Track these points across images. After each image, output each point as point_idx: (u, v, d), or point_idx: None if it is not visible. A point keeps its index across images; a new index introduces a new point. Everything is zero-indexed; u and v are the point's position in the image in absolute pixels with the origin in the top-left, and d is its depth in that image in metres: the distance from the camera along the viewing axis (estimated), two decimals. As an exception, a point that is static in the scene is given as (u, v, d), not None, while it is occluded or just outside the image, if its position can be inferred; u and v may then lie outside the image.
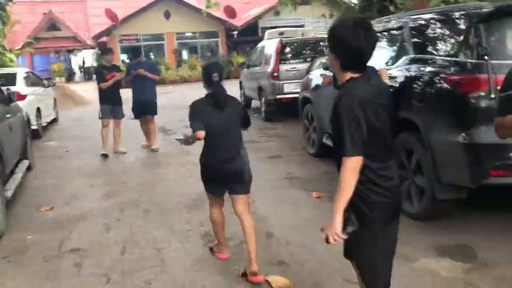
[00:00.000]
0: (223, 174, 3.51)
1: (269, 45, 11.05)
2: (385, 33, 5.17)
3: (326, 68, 6.27)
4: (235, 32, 27.81)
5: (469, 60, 3.76)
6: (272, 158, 7.31)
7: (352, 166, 2.02)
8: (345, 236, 2.10)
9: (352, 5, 22.09)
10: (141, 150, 8.41)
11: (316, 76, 7.09)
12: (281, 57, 10.11)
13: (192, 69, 24.57)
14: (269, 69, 10.20)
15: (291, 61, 10.22)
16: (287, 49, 10.32)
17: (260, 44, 12.44)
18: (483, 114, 3.61)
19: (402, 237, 3.92)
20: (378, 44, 5.36)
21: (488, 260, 3.59)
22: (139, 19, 26.09)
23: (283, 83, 9.95)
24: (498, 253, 3.67)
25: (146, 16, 26.07)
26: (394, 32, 4.91)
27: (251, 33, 27.81)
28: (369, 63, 2.17)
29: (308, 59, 10.10)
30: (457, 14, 4.14)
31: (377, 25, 5.54)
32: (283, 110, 10.40)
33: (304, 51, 10.50)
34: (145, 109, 8.04)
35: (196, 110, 3.47)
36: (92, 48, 31.32)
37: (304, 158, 7.10)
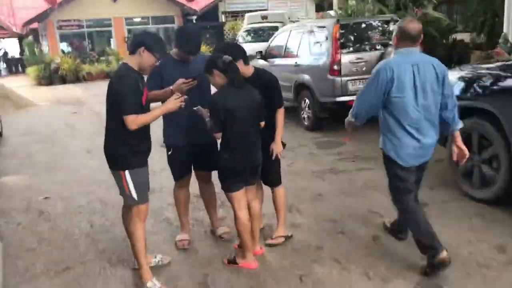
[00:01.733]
0: None
1: (309, 28, 8.15)
2: None
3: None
4: (194, 17, 24.41)
5: None
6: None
7: None
8: None
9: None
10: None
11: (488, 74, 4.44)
12: (340, 44, 7.28)
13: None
14: (323, 60, 7.34)
15: (354, 50, 7.43)
16: (347, 34, 7.50)
17: (285, 27, 9.51)
18: None
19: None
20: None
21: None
22: (82, 2, 21.91)
23: (347, 80, 7.16)
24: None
25: (89, -2, 22.01)
26: None
27: (211, 18, 24.63)
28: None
29: (378, 47, 7.42)
30: None
31: None
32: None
33: (366, 36, 7.68)
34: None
35: None
36: (20, 36, 26.63)
37: (474, 205, 4.36)
